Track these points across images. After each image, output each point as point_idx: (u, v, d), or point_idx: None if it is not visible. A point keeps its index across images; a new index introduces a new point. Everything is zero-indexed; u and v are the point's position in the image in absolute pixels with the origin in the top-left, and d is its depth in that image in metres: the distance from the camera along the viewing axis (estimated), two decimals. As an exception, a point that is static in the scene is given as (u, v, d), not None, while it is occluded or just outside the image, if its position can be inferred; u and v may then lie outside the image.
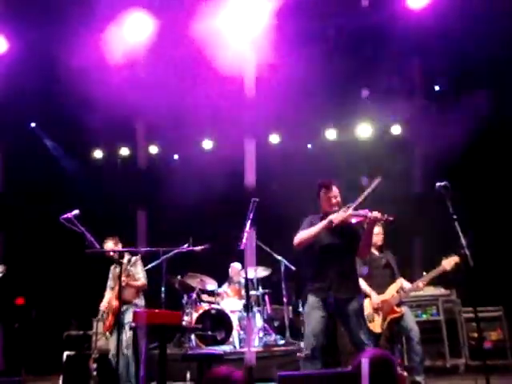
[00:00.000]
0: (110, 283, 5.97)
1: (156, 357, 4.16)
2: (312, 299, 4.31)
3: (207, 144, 9.43)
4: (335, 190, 4.41)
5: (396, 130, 8.70)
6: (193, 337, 6.62)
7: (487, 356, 6.04)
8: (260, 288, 7.08)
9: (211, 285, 7.31)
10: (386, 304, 5.30)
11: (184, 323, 6.50)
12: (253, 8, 6.80)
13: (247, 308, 5.49)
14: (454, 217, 4.02)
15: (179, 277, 7.17)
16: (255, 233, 5.34)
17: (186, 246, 5.66)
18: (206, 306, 6.92)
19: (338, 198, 4.39)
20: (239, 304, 6.95)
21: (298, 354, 4.70)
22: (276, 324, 7.22)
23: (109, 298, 5.79)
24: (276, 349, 6.42)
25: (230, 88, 7.48)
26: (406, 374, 5.00)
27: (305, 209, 4.86)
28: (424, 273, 5.84)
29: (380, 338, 5.26)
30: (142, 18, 7.23)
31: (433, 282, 5.97)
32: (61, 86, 7.50)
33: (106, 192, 9.07)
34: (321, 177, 4.61)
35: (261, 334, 6.75)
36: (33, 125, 9.20)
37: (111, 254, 5.49)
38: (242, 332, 6.66)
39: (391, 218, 4.18)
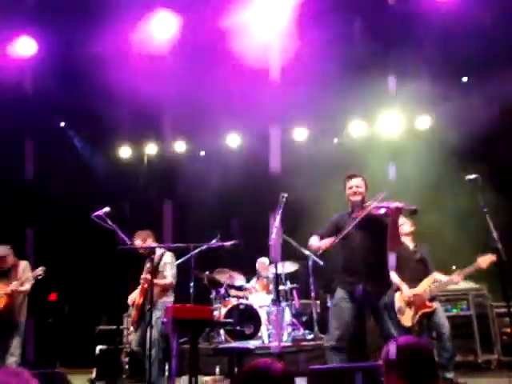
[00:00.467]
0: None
1: (186, 351, 4.22)
2: (340, 292, 4.34)
3: (234, 139, 9.42)
4: (356, 180, 4.43)
5: (423, 121, 8.52)
6: (222, 331, 6.67)
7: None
8: (288, 283, 7.08)
9: (240, 280, 7.35)
10: (418, 298, 5.25)
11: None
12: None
13: (277, 301, 5.53)
14: (485, 210, 3.96)
15: (207, 272, 7.24)
16: (283, 228, 5.37)
17: (214, 241, 5.69)
18: (234, 301, 6.95)
19: (360, 189, 4.40)
20: (267, 299, 6.97)
21: (323, 344, 4.69)
22: (304, 319, 7.20)
23: (135, 294, 5.82)
24: (304, 343, 6.42)
25: (255, 82, 7.51)
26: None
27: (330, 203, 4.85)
28: (453, 267, 5.76)
29: (410, 332, 5.21)
30: (167, 16, 7.33)
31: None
32: (87, 84, 7.64)
33: (134, 189, 9.21)
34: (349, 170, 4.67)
35: (289, 329, 6.76)
36: (62, 124, 9.37)
37: (141, 250, 5.54)
38: (270, 327, 6.68)
39: (414, 207, 4.15)
